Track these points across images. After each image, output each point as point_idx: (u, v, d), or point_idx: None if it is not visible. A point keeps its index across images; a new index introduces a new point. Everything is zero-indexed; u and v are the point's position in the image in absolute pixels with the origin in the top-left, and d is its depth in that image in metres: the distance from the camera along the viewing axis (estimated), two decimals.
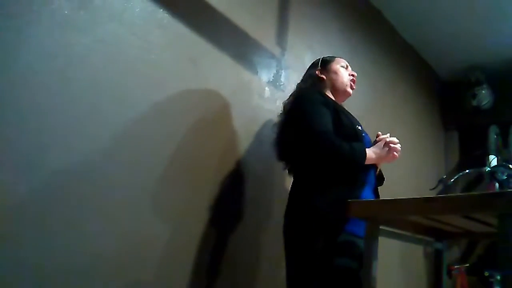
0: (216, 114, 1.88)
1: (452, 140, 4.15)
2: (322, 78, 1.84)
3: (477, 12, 3.23)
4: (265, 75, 2.15)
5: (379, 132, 1.73)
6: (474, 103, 3.86)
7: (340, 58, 1.92)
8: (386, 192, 1.79)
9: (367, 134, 1.77)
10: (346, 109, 1.91)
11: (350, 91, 1.86)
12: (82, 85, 1.42)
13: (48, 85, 1.34)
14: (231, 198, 1.89)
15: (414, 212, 1.38)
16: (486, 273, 3.35)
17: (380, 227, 1.45)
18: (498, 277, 2.98)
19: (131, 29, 1.58)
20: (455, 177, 3.20)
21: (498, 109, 3.86)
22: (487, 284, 3.38)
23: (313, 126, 1.58)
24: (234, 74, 1.98)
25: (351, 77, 1.86)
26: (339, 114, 1.66)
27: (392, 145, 1.66)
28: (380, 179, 1.81)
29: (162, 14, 1.69)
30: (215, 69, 1.89)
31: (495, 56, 3.75)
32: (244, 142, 1.97)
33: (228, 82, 1.95)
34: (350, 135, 1.63)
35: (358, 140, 1.64)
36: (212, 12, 1.90)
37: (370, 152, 1.62)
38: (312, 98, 1.68)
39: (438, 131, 4.12)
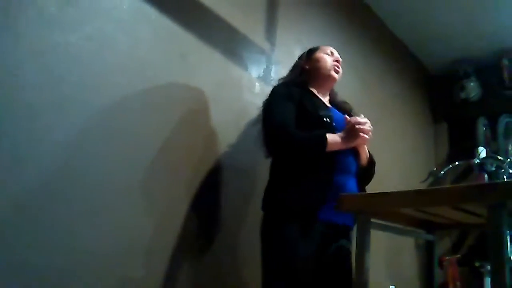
0: (206, 109, 1.87)
1: (442, 132, 4.19)
2: (306, 68, 1.84)
3: (464, 6, 3.26)
4: (255, 71, 2.15)
5: (346, 116, 1.68)
6: (463, 95, 3.90)
7: (326, 46, 1.91)
8: (376, 185, 1.80)
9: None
10: (339, 97, 1.91)
11: (335, 75, 1.83)
12: (71, 83, 1.41)
13: (37, 84, 1.32)
14: (220, 192, 1.88)
15: (405, 205, 1.39)
16: (477, 264, 3.40)
17: (372, 219, 1.46)
18: (489, 268, 3.02)
19: (119, 26, 1.57)
20: (445, 169, 3.24)
21: (486, 101, 3.90)
22: (478, 275, 3.43)
23: (270, 120, 1.63)
24: (224, 70, 1.98)
25: (335, 62, 1.84)
26: (304, 103, 1.65)
27: (359, 126, 1.61)
28: (369, 164, 1.77)
29: (150, 10, 1.68)
30: (204, 65, 1.89)
31: (482, 49, 3.79)
32: (234, 137, 1.97)
33: (218, 78, 1.94)
34: (314, 123, 1.62)
35: (323, 126, 1.62)
36: (201, 8, 1.89)
37: (335, 137, 1.59)
38: (275, 93, 1.71)
39: (427, 123, 4.15)
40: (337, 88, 1.95)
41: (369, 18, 3.34)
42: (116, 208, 1.49)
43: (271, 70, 2.24)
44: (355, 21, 3.10)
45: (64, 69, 1.40)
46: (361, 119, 1.63)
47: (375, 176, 1.85)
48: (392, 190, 1.37)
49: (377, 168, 1.85)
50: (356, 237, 1.43)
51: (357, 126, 1.60)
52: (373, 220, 1.47)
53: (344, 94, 1.99)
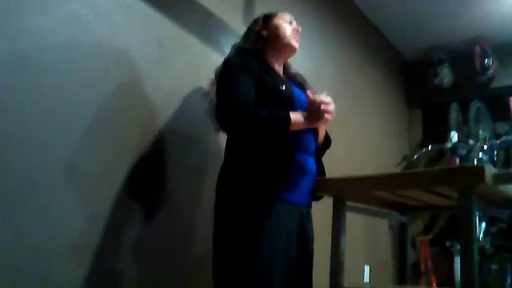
0: (183, 94, 1.86)
1: (416, 118, 4.27)
2: (263, 35, 1.70)
3: None
4: None
5: (309, 92, 1.57)
6: (436, 81, 3.98)
7: (284, 12, 1.76)
8: (352, 169, 1.84)
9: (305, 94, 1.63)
10: (292, 68, 1.81)
11: (295, 44, 1.70)
12: (45, 68, 1.38)
13: (9, 67, 1.29)
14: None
15: (379, 188, 1.43)
16: (447, 244, 3.52)
17: (347, 202, 1.49)
18: (458, 247, 3.13)
19: (94, 10, 1.54)
20: (419, 154, 3.32)
21: (459, 87, 3.99)
22: (448, 254, 3.56)
23: (228, 96, 1.49)
24: (201, 55, 1.96)
25: (295, 32, 1.71)
26: (264, 77, 1.54)
27: (322, 106, 1.51)
28: (325, 142, 1.70)
29: None
30: (182, 50, 1.87)
31: (455, 36, 3.86)
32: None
33: (196, 63, 1.93)
34: (275, 99, 1.53)
35: (283, 102, 1.54)
36: None
37: (298, 117, 1.49)
38: (230, 64, 1.56)
39: (402, 109, 4.23)
40: (314, 73, 1.95)
41: (346, 6, 3.36)
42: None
43: None
44: (332, 9, 3.11)
45: (37, 53, 1.36)
46: (325, 98, 1.52)
47: (351, 160, 1.87)
48: (367, 174, 1.40)
49: (354, 152, 1.87)
50: (332, 220, 1.47)
51: (322, 107, 1.51)
52: (348, 203, 1.50)
53: (321, 81, 2.00)
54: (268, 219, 1.42)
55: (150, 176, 1.70)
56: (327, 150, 1.72)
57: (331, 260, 1.43)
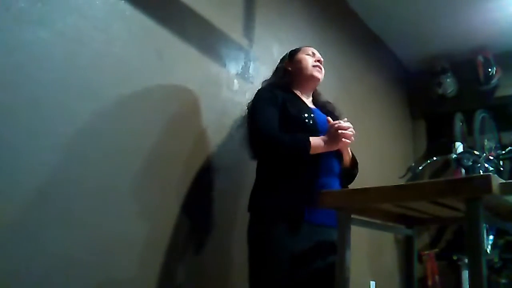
0: (184, 107, 1.84)
1: (420, 128, 4.24)
2: (289, 70, 1.86)
3: (441, 3, 3.30)
4: (233, 67, 2.13)
5: (329, 118, 1.70)
6: (440, 91, 3.95)
7: (307, 47, 1.93)
8: (356, 181, 1.81)
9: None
10: (322, 97, 1.94)
11: (317, 75, 1.84)
12: (43, 81, 1.37)
13: (8, 82, 1.28)
14: (202, 192, 1.87)
15: (384, 200, 1.40)
16: (455, 257, 3.46)
17: (352, 216, 1.46)
18: (466, 261, 3.07)
19: (92, 22, 1.53)
20: (423, 165, 3.28)
21: (463, 97, 3.96)
22: (456, 268, 3.49)
23: (254, 123, 1.66)
24: (201, 67, 1.95)
25: (317, 63, 1.86)
26: (287, 106, 1.69)
27: (341, 130, 1.63)
28: (352, 165, 1.81)
29: (124, 6, 1.64)
30: (182, 62, 1.86)
31: (458, 46, 3.84)
32: (214, 135, 1.94)
33: (196, 75, 1.92)
34: (297, 126, 1.66)
35: (306, 128, 1.66)
36: (176, 3, 1.86)
37: (319, 141, 1.62)
38: (259, 97, 1.73)
39: (405, 119, 4.20)
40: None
41: (347, 15, 3.36)
42: (97, 212, 1.45)
43: (249, 67, 2.22)
44: (333, 18, 3.11)
45: (35, 66, 1.35)
46: (344, 123, 1.65)
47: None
48: (371, 186, 1.37)
49: None
50: (337, 234, 1.43)
51: (339, 131, 1.63)
52: (353, 216, 1.47)
53: (323, 91, 1.99)
54: (291, 235, 1.54)
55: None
56: (356, 174, 1.84)
57: (336, 276, 1.39)
